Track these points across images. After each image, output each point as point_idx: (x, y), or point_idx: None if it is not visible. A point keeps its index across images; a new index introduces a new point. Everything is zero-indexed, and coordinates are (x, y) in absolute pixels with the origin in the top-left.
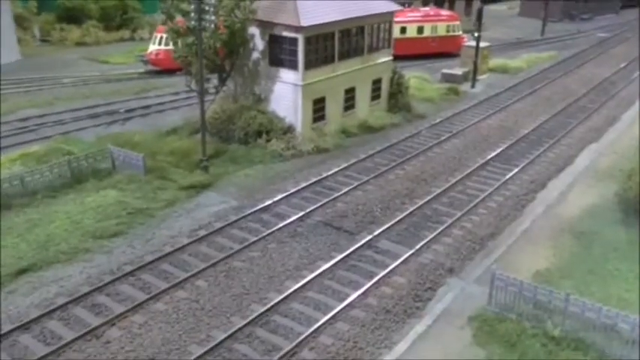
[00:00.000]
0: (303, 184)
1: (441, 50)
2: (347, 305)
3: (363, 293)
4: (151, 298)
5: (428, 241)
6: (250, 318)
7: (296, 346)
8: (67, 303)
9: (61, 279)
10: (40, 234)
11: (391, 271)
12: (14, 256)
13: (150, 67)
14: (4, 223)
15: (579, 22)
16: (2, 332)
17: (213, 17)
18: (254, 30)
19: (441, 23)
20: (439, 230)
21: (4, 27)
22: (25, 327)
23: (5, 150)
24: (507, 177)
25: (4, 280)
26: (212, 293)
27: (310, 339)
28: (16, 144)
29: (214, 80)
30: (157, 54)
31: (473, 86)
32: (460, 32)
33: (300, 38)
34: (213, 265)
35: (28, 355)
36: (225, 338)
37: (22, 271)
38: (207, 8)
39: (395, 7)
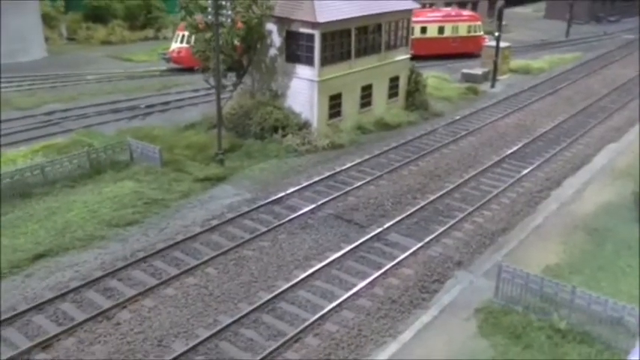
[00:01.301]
0: (316, 178)
1: (462, 51)
2: (353, 294)
3: (370, 283)
4: (161, 284)
5: (438, 235)
6: (257, 304)
7: (300, 331)
8: (80, 286)
9: (76, 264)
10: (58, 221)
11: (399, 262)
12: (32, 241)
13: (172, 65)
14: (24, 210)
15: (606, 24)
16: (17, 312)
17: (230, 12)
18: (271, 26)
19: (462, 23)
20: (450, 224)
21: (33, 25)
22: (39, 307)
23: (29, 142)
24: (522, 174)
25: (22, 264)
26: (221, 280)
27: (315, 326)
28: (40, 136)
29: (232, 78)
30: (178, 52)
31: (492, 86)
32: (481, 33)
33: (317, 34)
34: (224, 253)
35: (40, 335)
36: (232, 323)
37: (40, 256)
38: (224, 3)
39: (413, 4)
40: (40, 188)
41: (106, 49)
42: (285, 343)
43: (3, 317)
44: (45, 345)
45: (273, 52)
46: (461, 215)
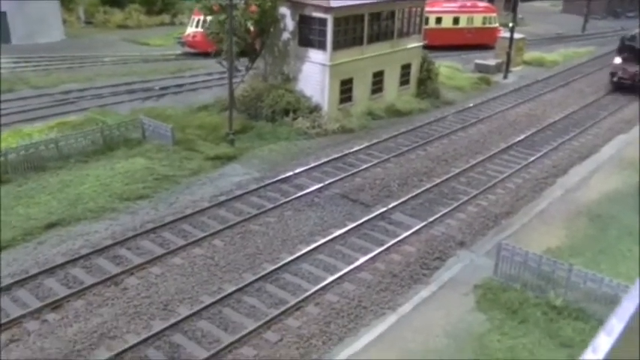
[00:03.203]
0: (324, 160)
1: (477, 42)
2: (355, 268)
3: (372, 258)
4: (168, 253)
5: (441, 216)
6: (261, 274)
7: (302, 300)
8: (90, 253)
9: (87, 233)
10: (71, 193)
11: (402, 240)
12: (45, 211)
13: (187, 49)
14: (38, 182)
15: (624, 19)
16: (29, 275)
17: None
18: (284, 10)
19: (477, 15)
20: (454, 206)
21: (51, 8)
22: (50, 271)
23: (44, 119)
24: (529, 161)
25: (35, 232)
26: (227, 251)
27: (316, 296)
28: (56, 114)
29: (245, 62)
30: (193, 36)
31: (505, 77)
32: (496, 24)
33: (330, 19)
34: (230, 227)
35: (50, 296)
36: (236, 290)
37: (52, 225)
38: None
39: None
40: (54, 162)
41: (123, 33)
42: (286, 310)
43: (15, 279)
44: (55, 306)
45: (285, 35)
46: (465, 198)
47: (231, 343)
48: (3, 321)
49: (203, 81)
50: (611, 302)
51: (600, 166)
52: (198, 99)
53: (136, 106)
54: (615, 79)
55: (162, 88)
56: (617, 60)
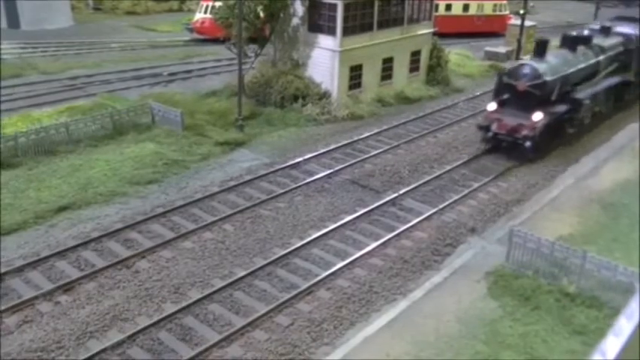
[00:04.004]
0: (334, 146)
1: (487, 29)
2: (366, 253)
3: (383, 244)
4: (179, 237)
5: (452, 202)
6: (272, 259)
7: (313, 285)
8: (101, 236)
9: (97, 217)
10: (81, 177)
11: (413, 226)
12: (56, 195)
13: (195, 36)
14: (48, 166)
15: (635, 7)
16: (41, 257)
17: None
18: None
19: (487, 2)
20: (465, 193)
21: None
22: (62, 254)
23: (53, 104)
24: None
25: (46, 215)
26: (237, 236)
27: (327, 280)
28: (65, 99)
29: (254, 49)
30: (202, 22)
31: None
32: (507, 12)
33: (340, 4)
34: (241, 211)
35: (63, 278)
36: (246, 275)
37: (63, 209)
38: None
39: None
40: (65, 146)
41: (131, 19)
42: (297, 294)
43: (27, 262)
44: (67, 288)
45: (295, 21)
46: (476, 185)
47: (243, 327)
48: (16, 302)
49: (212, 67)
50: (626, 290)
51: (613, 155)
52: (207, 85)
53: (144, 91)
54: (489, 133)
55: (170, 74)
56: (492, 106)
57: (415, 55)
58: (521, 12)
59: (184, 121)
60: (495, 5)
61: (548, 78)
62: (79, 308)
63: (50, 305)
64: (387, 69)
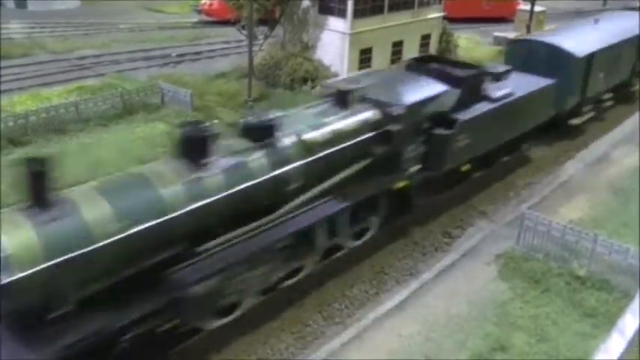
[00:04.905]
0: None
1: (496, 14)
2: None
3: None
4: None
5: (462, 185)
6: None
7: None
8: None
9: None
10: (92, 156)
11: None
12: (66, 173)
13: (203, 17)
14: (59, 145)
15: None
16: None
17: None
18: None
19: None
20: (474, 176)
21: None
22: None
23: (62, 83)
24: (550, 135)
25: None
26: None
27: None
28: (73, 78)
29: (264, 31)
30: (210, 4)
31: None
32: None
33: None
34: None
35: None
36: None
37: (72, 186)
38: None
39: None
40: (74, 125)
41: (139, 1)
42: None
43: None
44: None
45: (305, 3)
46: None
47: None
48: None
49: (220, 49)
50: (637, 274)
51: (623, 139)
52: (216, 66)
53: (153, 72)
54: None
55: (179, 55)
56: None
57: (425, 39)
58: None
59: (194, 101)
60: None
61: None
62: None
63: None
64: (396, 52)
